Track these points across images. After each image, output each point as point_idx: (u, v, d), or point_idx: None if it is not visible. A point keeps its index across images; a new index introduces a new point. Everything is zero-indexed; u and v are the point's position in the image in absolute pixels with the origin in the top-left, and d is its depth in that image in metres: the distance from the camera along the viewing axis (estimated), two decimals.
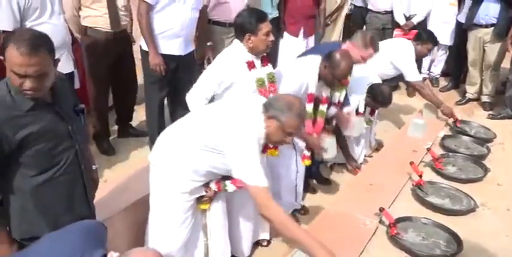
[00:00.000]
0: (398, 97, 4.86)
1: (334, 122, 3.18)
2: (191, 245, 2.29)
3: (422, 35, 4.05)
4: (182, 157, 2.09)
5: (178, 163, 2.10)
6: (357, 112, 3.48)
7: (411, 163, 2.76)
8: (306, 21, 4.57)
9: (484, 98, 4.77)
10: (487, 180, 2.92)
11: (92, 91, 3.66)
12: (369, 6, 5.28)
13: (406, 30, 4.96)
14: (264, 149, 2.31)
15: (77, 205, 1.83)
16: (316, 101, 2.82)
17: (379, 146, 3.99)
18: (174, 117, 3.72)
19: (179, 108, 3.67)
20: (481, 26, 4.58)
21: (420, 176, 2.69)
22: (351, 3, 5.41)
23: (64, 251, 1.33)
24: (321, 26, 4.75)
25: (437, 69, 5.63)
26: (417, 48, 3.95)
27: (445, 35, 5.15)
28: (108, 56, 3.53)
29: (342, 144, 3.40)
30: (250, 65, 2.49)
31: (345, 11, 5.29)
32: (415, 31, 4.58)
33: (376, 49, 3.09)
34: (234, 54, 2.51)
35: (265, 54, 2.58)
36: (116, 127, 4.09)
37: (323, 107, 2.89)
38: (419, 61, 4.96)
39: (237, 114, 2.03)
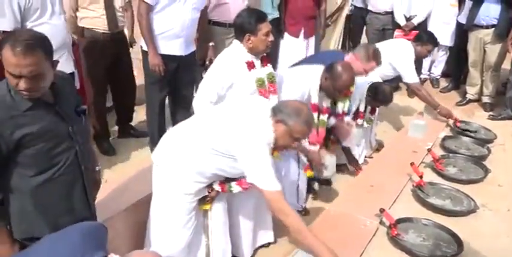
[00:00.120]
0: (399, 98, 4.85)
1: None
2: (193, 246, 2.29)
3: (423, 36, 4.05)
4: (187, 159, 2.09)
5: (183, 164, 2.10)
6: (358, 111, 3.48)
7: (412, 164, 2.76)
8: (306, 22, 4.56)
9: (485, 99, 4.77)
10: (487, 181, 2.92)
11: (90, 92, 3.66)
12: (369, 7, 5.28)
13: (406, 31, 4.96)
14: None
15: (76, 206, 1.82)
16: (318, 111, 2.83)
17: (379, 146, 3.99)
18: (174, 118, 3.73)
19: (180, 109, 3.68)
20: (481, 26, 4.58)
21: (421, 177, 2.69)
22: (352, 4, 5.41)
23: (64, 253, 1.33)
24: (322, 26, 4.74)
25: (438, 70, 5.62)
26: (417, 49, 3.95)
27: (445, 36, 5.15)
28: (106, 57, 3.53)
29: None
30: (250, 65, 2.50)
31: (346, 11, 5.29)
32: (415, 32, 4.58)
33: (378, 62, 3.11)
34: (234, 54, 2.52)
35: (265, 54, 2.58)
36: (116, 128, 4.09)
37: (324, 117, 2.91)
38: (419, 62, 4.97)
39: (246, 118, 2.04)
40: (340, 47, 5.44)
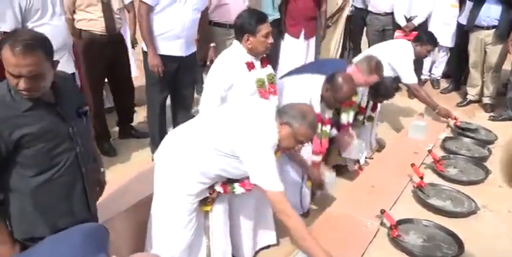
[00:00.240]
0: (400, 99, 4.85)
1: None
2: (194, 247, 2.29)
3: (422, 36, 4.06)
4: (190, 159, 2.09)
5: (185, 165, 2.10)
6: (360, 107, 3.47)
7: (412, 165, 2.75)
8: (306, 22, 4.57)
9: (485, 100, 4.77)
10: (488, 182, 2.91)
11: (88, 93, 3.66)
12: (370, 8, 5.29)
13: (407, 32, 4.96)
14: None
15: (76, 207, 1.82)
16: (320, 121, 2.84)
17: (380, 147, 3.99)
18: (175, 119, 3.73)
19: (180, 110, 3.68)
20: (482, 27, 4.58)
21: (421, 178, 2.69)
22: (352, 5, 5.41)
23: (65, 254, 1.32)
24: (322, 27, 4.75)
25: (438, 71, 5.62)
26: (416, 49, 3.96)
27: (446, 37, 5.15)
28: (103, 59, 3.53)
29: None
30: (250, 66, 2.50)
31: (346, 12, 5.29)
32: (415, 33, 4.58)
33: (380, 75, 3.11)
34: (234, 55, 2.52)
35: (264, 55, 2.58)
36: (117, 129, 4.09)
37: (326, 128, 2.92)
38: (420, 63, 4.97)
39: (251, 119, 2.05)
40: (340, 47, 5.44)
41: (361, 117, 3.57)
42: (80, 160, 1.78)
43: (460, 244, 2.19)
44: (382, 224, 2.33)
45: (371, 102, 3.60)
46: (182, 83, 3.56)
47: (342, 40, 5.41)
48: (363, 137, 3.73)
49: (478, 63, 4.76)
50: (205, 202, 2.24)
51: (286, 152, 2.28)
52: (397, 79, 4.18)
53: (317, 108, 2.73)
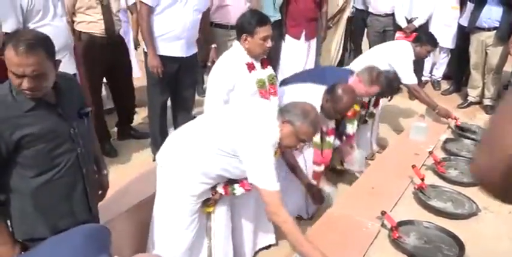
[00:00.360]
0: (400, 100, 4.85)
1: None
2: (195, 248, 2.30)
3: (422, 37, 4.06)
4: (192, 159, 2.09)
5: (188, 165, 2.10)
6: (362, 102, 3.47)
7: (413, 166, 2.75)
8: (307, 24, 4.57)
9: (486, 102, 4.77)
10: None
11: (88, 94, 3.66)
12: (370, 9, 5.29)
13: (407, 33, 4.96)
14: None
15: (76, 208, 1.82)
16: (320, 132, 2.85)
17: (381, 147, 4.00)
18: (175, 120, 3.73)
19: (181, 111, 3.68)
20: (483, 29, 4.59)
21: (422, 179, 2.68)
22: (353, 6, 5.41)
23: (66, 256, 1.32)
24: (323, 28, 4.75)
25: (439, 72, 5.62)
26: (416, 49, 3.96)
27: (446, 38, 5.15)
28: (103, 60, 3.54)
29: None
30: (250, 67, 2.51)
31: (347, 13, 5.30)
32: (416, 34, 4.58)
33: (382, 86, 3.12)
34: (234, 56, 2.53)
35: (265, 56, 2.59)
36: (115, 129, 4.09)
37: (330, 139, 2.93)
38: (421, 64, 4.97)
39: (253, 119, 2.05)
40: (341, 49, 5.44)
41: (363, 112, 3.56)
42: (80, 160, 1.78)
43: (461, 246, 2.18)
44: (382, 225, 2.33)
45: (373, 98, 3.59)
46: (183, 84, 3.56)
47: (342, 41, 5.42)
48: (363, 136, 3.73)
49: (479, 64, 4.76)
50: (208, 203, 2.24)
51: (288, 150, 2.28)
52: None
53: None
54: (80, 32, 3.47)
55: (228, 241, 2.40)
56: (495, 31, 4.51)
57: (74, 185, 1.80)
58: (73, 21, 3.46)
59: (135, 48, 4.43)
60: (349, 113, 3.06)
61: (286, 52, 4.64)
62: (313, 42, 4.72)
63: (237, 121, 2.07)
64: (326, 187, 2.99)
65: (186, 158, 2.11)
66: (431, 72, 5.67)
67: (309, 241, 1.91)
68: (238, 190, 2.22)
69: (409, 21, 5.04)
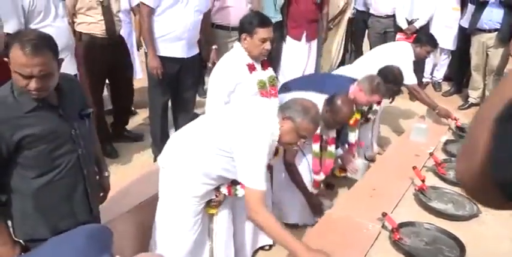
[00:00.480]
0: (401, 101, 4.85)
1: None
2: (197, 249, 2.29)
3: (422, 38, 4.07)
4: (193, 160, 2.09)
5: (189, 166, 2.10)
6: (363, 112, 3.47)
7: (414, 168, 2.75)
8: (308, 25, 4.58)
9: None
10: None
11: (89, 95, 3.66)
12: (371, 11, 5.30)
13: (408, 34, 4.97)
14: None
15: (77, 209, 1.82)
16: (320, 141, 2.87)
17: (382, 149, 3.99)
18: (176, 121, 3.73)
19: (181, 112, 3.68)
20: (484, 30, 4.59)
21: (423, 181, 2.68)
22: (354, 8, 5.42)
23: (68, 256, 1.32)
24: (324, 30, 4.76)
25: (440, 73, 5.63)
26: (416, 50, 3.97)
27: (447, 40, 5.16)
28: (104, 61, 3.54)
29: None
30: (251, 68, 2.51)
31: (348, 15, 5.30)
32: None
33: (382, 95, 3.14)
34: (235, 57, 2.54)
35: (265, 58, 2.59)
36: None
37: (331, 148, 2.94)
38: (421, 65, 4.98)
39: (252, 116, 2.04)
40: (342, 50, 5.45)
41: (365, 108, 3.57)
42: (81, 161, 1.79)
43: (461, 247, 2.18)
44: (383, 227, 2.32)
45: None
46: (183, 85, 3.56)
47: (343, 42, 5.42)
48: (363, 137, 3.74)
49: (479, 66, 4.76)
50: (211, 204, 2.23)
51: (288, 147, 2.27)
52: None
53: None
54: (81, 32, 3.47)
55: (229, 244, 2.40)
56: (496, 33, 4.51)
57: (75, 186, 1.80)
58: (73, 22, 3.46)
59: (138, 49, 4.44)
60: (351, 122, 3.08)
61: (287, 53, 4.64)
62: (314, 43, 4.73)
63: (236, 119, 2.06)
64: (326, 201, 3.03)
65: (188, 159, 2.11)
66: (432, 73, 5.67)
67: (290, 236, 1.84)
68: (240, 191, 2.22)
69: (410, 22, 5.04)
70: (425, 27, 5.08)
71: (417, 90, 3.96)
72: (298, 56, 4.60)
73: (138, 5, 3.85)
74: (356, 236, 2.25)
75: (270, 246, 2.77)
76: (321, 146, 2.89)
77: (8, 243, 1.72)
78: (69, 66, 2.88)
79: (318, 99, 2.76)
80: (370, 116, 3.67)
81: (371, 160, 3.92)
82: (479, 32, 4.64)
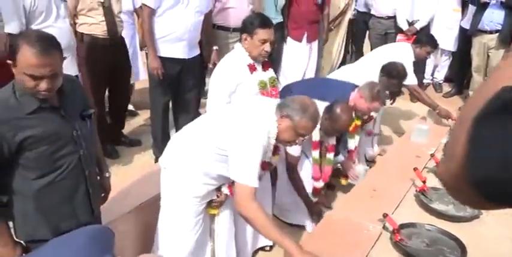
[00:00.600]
0: (402, 103, 4.85)
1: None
2: (199, 250, 2.29)
3: (421, 38, 4.08)
4: (194, 160, 2.09)
5: (190, 166, 2.10)
6: (363, 119, 3.47)
7: (415, 169, 2.75)
8: (309, 26, 4.58)
9: None
10: None
11: (90, 96, 3.66)
12: (372, 12, 5.30)
13: (409, 36, 4.97)
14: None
15: (78, 210, 1.82)
16: (319, 148, 2.87)
17: (383, 150, 3.99)
18: (177, 122, 3.73)
19: (182, 113, 3.68)
20: (485, 32, 4.59)
21: (424, 182, 2.68)
22: (354, 9, 5.42)
23: None
24: (324, 31, 4.76)
25: (441, 74, 5.63)
26: (416, 51, 3.98)
27: (448, 41, 5.16)
28: (105, 62, 3.54)
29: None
30: (252, 68, 2.52)
31: (348, 16, 5.30)
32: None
33: (383, 103, 3.14)
34: (236, 58, 2.55)
35: (265, 59, 2.60)
36: None
37: (330, 155, 2.95)
38: (422, 66, 4.97)
39: (249, 114, 2.04)
40: (343, 51, 5.45)
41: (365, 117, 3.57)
42: (83, 162, 1.78)
43: (463, 248, 2.18)
44: (384, 228, 2.32)
45: None
46: (184, 85, 3.56)
47: (344, 43, 5.43)
48: (363, 135, 3.74)
49: (481, 67, 4.76)
50: (212, 204, 2.23)
51: (287, 145, 2.27)
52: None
53: (316, 136, 2.77)
54: (82, 33, 3.47)
55: (230, 244, 2.40)
56: (497, 34, 4.52)
57: (76, 187, 1.80)
58: (75, 23, 3.47)
59: (140, 50, 4.44)
60: (351, 128, 3.08)
61: (288, 54, 4.64)
62: (315, 44, 4.73)
63: (234, 118, 2.06)
64: (326, 210, 3.04)
65: (188, 159, 2.11)
66: (432, 74, 5.67)
67: (280, 232, 1.84)
68: None
69: (411, 23, 5.04)
70: (426, 29, 5.08)
71: (418, 91, 3.97)
72: (299, 57, 4.60)
73: (141, 6, 3.86)
74: (357, 237, 2.25)
75: (271, 247, 2.77)
76: (320, 153, 2.90)
77: (9, 244, 1.71)
78: (70, 67, 2.89)
79: (320, 106, 2.77)
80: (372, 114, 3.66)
81: (372, 160, 3.92)
82: (480, 33, 4.64)
